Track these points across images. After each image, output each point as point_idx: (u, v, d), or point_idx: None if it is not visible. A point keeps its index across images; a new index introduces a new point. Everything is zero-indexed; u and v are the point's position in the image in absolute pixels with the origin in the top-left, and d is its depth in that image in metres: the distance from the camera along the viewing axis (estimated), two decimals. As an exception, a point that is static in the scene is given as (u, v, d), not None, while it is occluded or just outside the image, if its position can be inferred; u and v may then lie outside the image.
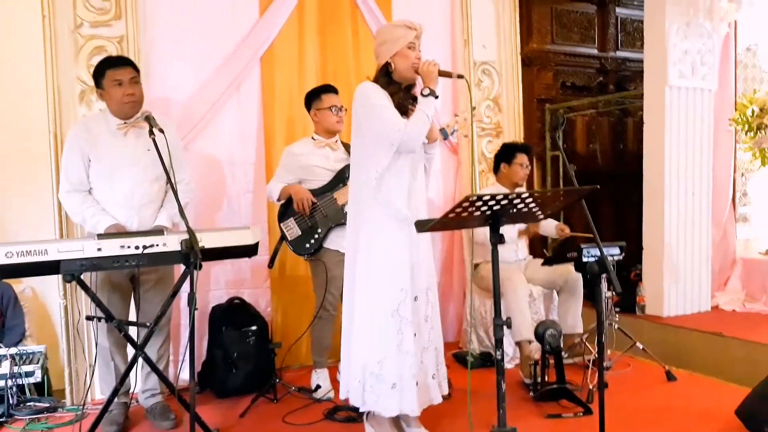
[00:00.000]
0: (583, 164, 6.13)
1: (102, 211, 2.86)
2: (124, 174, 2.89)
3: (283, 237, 3.41)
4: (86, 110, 3.36)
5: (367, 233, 2.56)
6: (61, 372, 3.40)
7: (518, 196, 2.10)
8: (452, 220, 2.18)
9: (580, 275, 3.71)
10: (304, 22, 4.00)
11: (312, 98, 3.47)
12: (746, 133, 5.03)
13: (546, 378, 3.26)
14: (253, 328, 3.52)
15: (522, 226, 4.00)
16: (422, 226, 2.29)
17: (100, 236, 2.49)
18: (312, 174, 3.40)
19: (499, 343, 2.23)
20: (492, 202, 2.07)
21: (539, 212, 2.32)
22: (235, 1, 3.79)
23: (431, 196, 4.28)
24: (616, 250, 3.62)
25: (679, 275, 4.76)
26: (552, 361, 3.26)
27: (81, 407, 2.94)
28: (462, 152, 4.47)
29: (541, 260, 3.88)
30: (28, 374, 3.24)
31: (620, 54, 6.50)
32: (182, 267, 2.51)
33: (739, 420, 2.71)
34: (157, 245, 2.49)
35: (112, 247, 2.43)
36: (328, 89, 3.46)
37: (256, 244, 2.75)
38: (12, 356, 3.24)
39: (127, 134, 2.90)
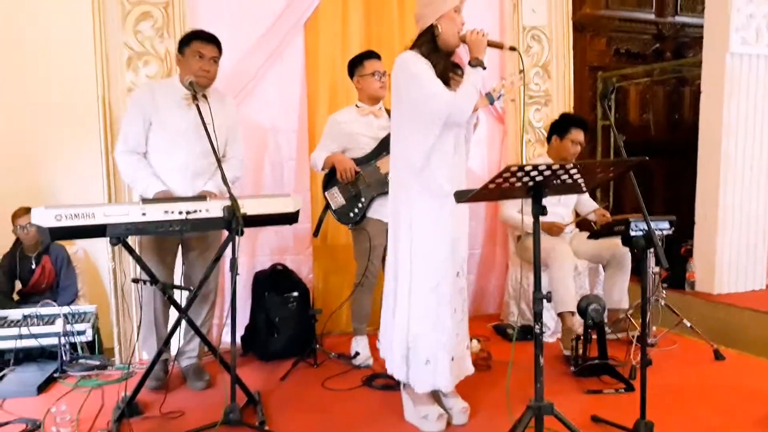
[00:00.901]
0: (635, 134, 5.96)
1: (153, 175, 2.91)
2: (182, 144, 2.93)
3: (327, 206, 3.42)
4: (133, 76, 3.41)
5: (407, 210, 2.51)
6: (111, 331, 3.52)
7: (562, 166, 2.03)
8: (493, 191, 2.12)
9: (627, 250, 3.61)
10: (349, -12, 3.94)
11: (355, 65, 3.43)
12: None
13: (588, 353, 3.21)
14: (295, 294, 3.57)
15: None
16: (462, 196, 2.24)
17: (145, 201, 2.54)
18: (355, 142, 3.38)
19: (538, 316, 2.19)
20: (534, 173, 2.01)
21: (584, 184, 2.24)
22: (279, -32, 3.75)
23: (473, 166, 4.21)
24: (666, 225, 3.52)
25: (733, 252, 4.59)
26: (594, 337, 3.20)
27: (128, 366, 3.04)
28: (508, 121, 4.37)
29: (587, 233, 3.79)
30: (80, 333, 3.37)
31: (679, 19, 6.22)
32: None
33: (789, 403, 2.62)
34: (200, 211, 2.52)
35: (157, 212, 2.47)
36: (371, 55, 3.42)
37: (297, 212, 2.76)
38: (65, 315, 3.38)
39: (191, 106, 2.92)
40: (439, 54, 2.48)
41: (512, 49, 2.49)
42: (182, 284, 3.04)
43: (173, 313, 2.99)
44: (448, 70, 2.51)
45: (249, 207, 2.55)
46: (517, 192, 2.19)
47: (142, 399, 2.78)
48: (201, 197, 2.67)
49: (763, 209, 4.71)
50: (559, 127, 3.84)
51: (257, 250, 3.88)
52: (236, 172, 3.09)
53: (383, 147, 3.29)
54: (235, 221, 2.40)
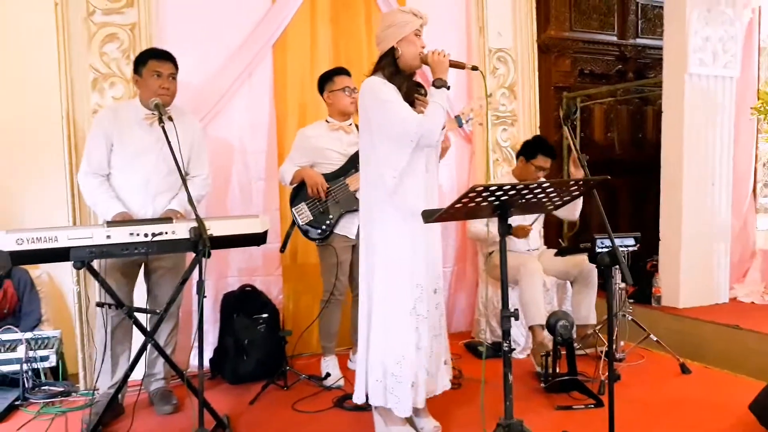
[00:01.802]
0: (601, 153, 6.07)
1: (114, 197, 2.89)
2: (143, 163, 2.92)
3: (294, 221, 3.41)
4: (99, 98, 3.38)
5: (381, 233, 2.52)
6: (76, 357, 3.44)
7: (526, 186, 2.07)
8: (460, 210, 2.15)
9: (594, 266, 3.66)
10: (317, 9, 3.98)
11: (325, 81, 3.45)
12: (769, 122, 4.95)
13: (558, 369, 3.24)
14: (264, 315, 3.53)
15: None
16: (429, 216, 2.27)
17: (110, 223, 2.51)
18: (325, 157, 3.39)
19: (506, 334, 2.21)
20: (499, 193, 2.04)
21: (548, 203, 2.28)
22: (247, -12, 3.77)
23: (442, 185, 4.26)
24: (631, 241, 3.59)
25: (697, 266, 4.69)
26: (564, 352, 3.23)
27: (93, 392, 2.97)
28: (476, 141, 4.43)
29: (554, 251, 3.85)
30: (43, 359, 3.29)
31: (640, 41, 6.40)
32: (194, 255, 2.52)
33: (753, 415, 2.66)
34: (166, 233, 2.50)
35: (122, 235, 2.44)
36: (341, 71, 3.45)
37: (265, 233, 2.75)
38: (27, 341, 3.29)
39: (153, 125, 2.91)
40: (402, 76, 2.51)
41: (474, 68, 2.52)
42: (148, 305, 3.01)
43: (135, 338, 2.95)
44: (412, 91, 2.55)
45: (216, 228, 2.53)
46: (484, 211, 2.22)
47: (108, 425, 2.72)
48: (167, 218, 2.64)
49: (725, 224, 4.83)
50: (528, 151, 3.87)
51: (226, 271, 3.84)
52: (200, 190, 3.07)
53: (352, 164, 3.31)
54: (202, 243, 2.38)
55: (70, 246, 2.37)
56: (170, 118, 2.66)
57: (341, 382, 3.34)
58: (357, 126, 3.43)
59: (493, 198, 2.08)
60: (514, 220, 3.70)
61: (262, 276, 3.90)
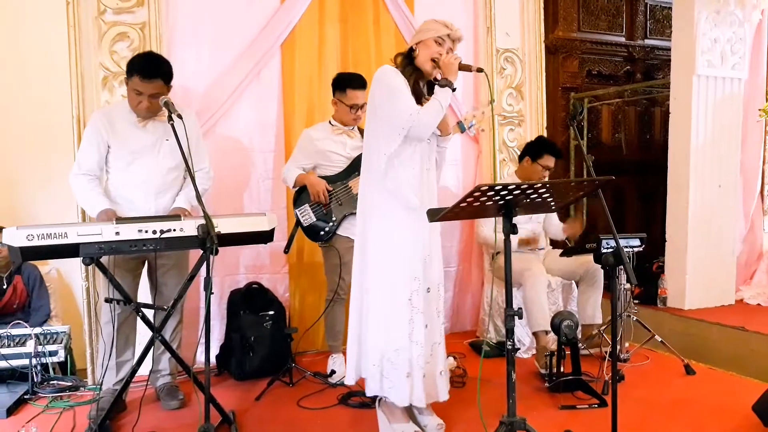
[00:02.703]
0: (608, 154, 6.08)
1: (101, 194, 2.89)
2: (142, 163, 2.93)
3: (298, 223, 3.43)
4: (108, 96, 3.41)
5: (378, 221, 2.56)
6: (84, 352, 3.47)
7: (530, 186, 2.08)
8: (465, 210, 2.17)
9: (599, 266, 3.67)
10: (325, 9, 4.00)
11: (338, 86, 3.42)
12: (776, 124, 4.94)
13: (562, 369, 3.25)
14: (270, 312, 3.56)
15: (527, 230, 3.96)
16: (434, 214, 2.28)
17: (119, 220, 2.53)
18: (328, 160, 3.42)
19: (509, 333, 2.22)
20: (504, 192, 2.06)
21: (553, 202, 2.30)
22: (256, -12, 3.80)
23: (448, 185, 4.28)
24: (637, 242, 3.59)
25: (703, 268, 4.69)
26: (568, 352, 3.24)
27: (100, 387, 3.00)
28: (483, 141, 4.44)
29: (560, 251, 3.85)
30: (52, 353, 3.32)
31: (649, 42, 6.39)
32: (200, 252, 2.54)
33: (756, 416, 2.67)
34: (174, 230, 2.52)
35: (130, 232, 2.46)
36: (357, 84, 3.39)
37: (272, 231, 2.77)
38: (36, 336, 3.33)
39: (147, 125, 2.94)
40: (416, 71, 2.56)
41: (479, 70, 2.56)
42: (154, 301, 3.04)
43: (141, 334, 2.97)
44: (420, 88, 2.58)
45: (224, 226, 2.56)
46: (489, 211, 2.24)
47: (115, 419, 2.75)
48: (175, 216, 2.67)
49: (731, 226, 4.83)
50: (533, 150, 3.90)
51: (233, 269, 3.87)
52: (204, 183, 3.07)
53: (355, 167, 3.32)
54: (210, 240, 2.40)
55: (79, 242, 2.40)
56: (179, 116, 2.68)
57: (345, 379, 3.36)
58: (360, 130, 3.45)
59: (498, 198, 2.09)
60: (521, 232, 3.76)
61: (268, 273, 3.93)
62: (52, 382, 3.30)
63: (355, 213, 3.08)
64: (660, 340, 3.66)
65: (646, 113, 6.48)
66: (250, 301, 3.60)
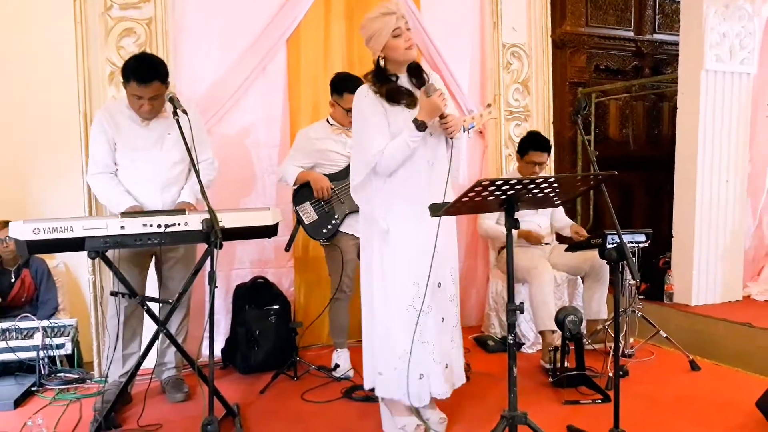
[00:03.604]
0: (616, 150, 6.05)
1: (124, 192, 2.92)
2: (147, 159, 2.95)
3: (299, 221, 3.43)
4: (115, 91, 3.43)
5: (375, 228, 2.55)
6: (91, 345, 3.51)
7: (532, 180, 2.08)
8: (467, 205, 2.17)
9: (605, 261, 3.66)
10: (331, 4, 4.00)
11: (336, 88, 3.39)
12: (786, 119, 4.89)
13: (566, 364, 3.25)
14: (276, 307, 3.58)
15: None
16: (436, 210, 2.28)
17: (123, 214, 2.56)
18: (328, 159, 3.41)
19: (511, 327, 2.22)
20: (505, 187, 2.06)
21: (556, 197, 2.29)
22: (262, -17, 3.81)
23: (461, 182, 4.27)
24: (642, 237, 3.58)
25: (710, 264, 4.66)
26: (572, 348, 3.24)
27: (106, 379, 3.03)
28: (489, 136, 4.43)
29: (565, 246, 3.85)
30: (59, 346, 3.37)
31: (657, 37, 6.35)
32: (205, 246, 2.56)
33: (760, 412, 2.66)
34: (179, 224, 2.54)
35: (135, 226, 2.49)
36: (354, 89, 3.35)
37: (276, 225, 2.78)
38: (44, 329, 3.37)
39: (149, 122, 2.95)
40: (388, 79, 2.53)
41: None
42: (160, 294, 3.06)
43: (146, 328, 3.00)
44: (394, 92, 2.51)
45: (228, 220, 2.58)
46: (492, 205, 2.24)
47: (120, 411, 2.78)
48: (180, 210, 2.69)
49: (738, 222, 4.79)
50: (520, 148, 3.93)
51: (238, 263, 3.90)
52: (208, 175, 3.07)
53: (355, 165, 3.32)
54: (214, 234, 2.42)
55: (84, 236, 2.42)
56: (184, 111, 2.69)
57: (350, 374, 3.37)
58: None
59: (500, 192, 2.09)
60: (527, 224, 3.76)
61: (274, 268, 3.95)
62: (59, 374, 3.34)
63: (357, 211, 3.10)
64: (665, 335, 3.65)
65: (654, 108, 6.44)
66: (255, 296, 3.62)
